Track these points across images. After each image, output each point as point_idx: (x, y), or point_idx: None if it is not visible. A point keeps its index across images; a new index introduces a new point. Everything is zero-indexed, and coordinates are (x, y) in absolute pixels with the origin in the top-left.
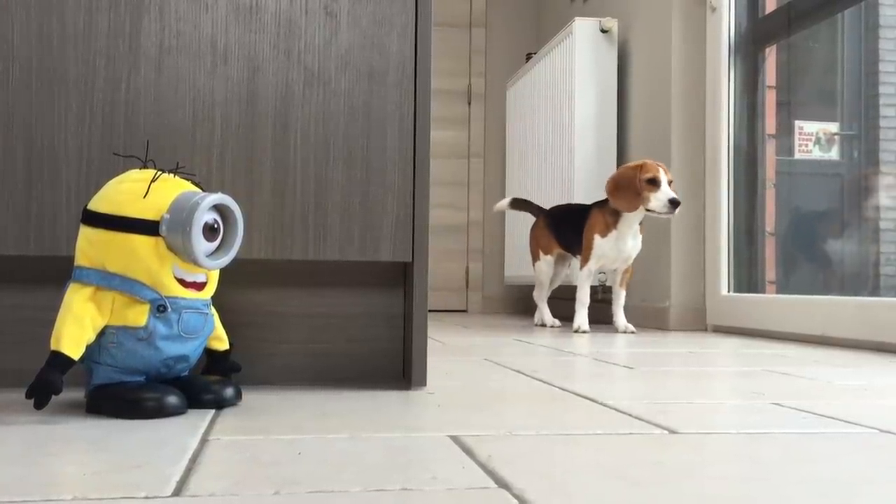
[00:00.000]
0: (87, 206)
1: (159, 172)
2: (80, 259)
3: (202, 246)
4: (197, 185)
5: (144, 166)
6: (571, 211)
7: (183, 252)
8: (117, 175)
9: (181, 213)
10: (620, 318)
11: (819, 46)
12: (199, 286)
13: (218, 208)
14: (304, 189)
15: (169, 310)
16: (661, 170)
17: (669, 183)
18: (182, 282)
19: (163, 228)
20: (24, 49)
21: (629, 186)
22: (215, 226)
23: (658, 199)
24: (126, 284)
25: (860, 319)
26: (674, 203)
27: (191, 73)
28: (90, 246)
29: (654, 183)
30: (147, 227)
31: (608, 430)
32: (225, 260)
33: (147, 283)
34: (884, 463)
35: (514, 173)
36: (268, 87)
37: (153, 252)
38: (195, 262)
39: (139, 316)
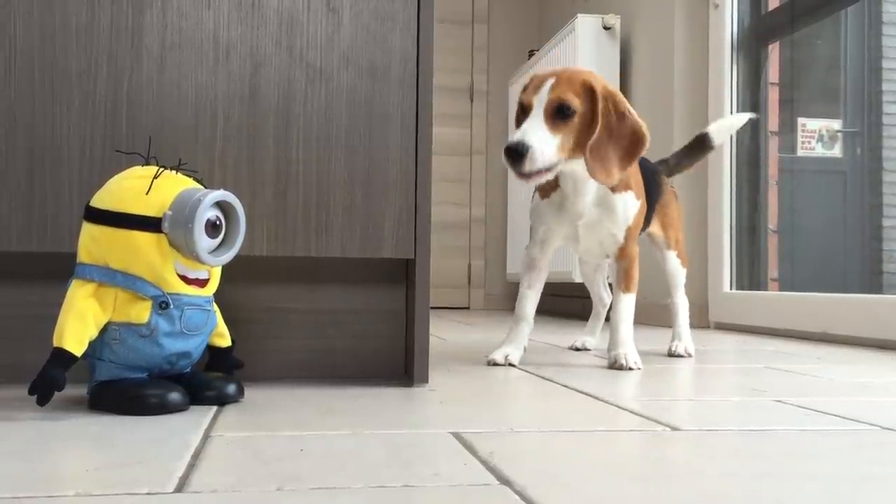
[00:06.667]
0: (89, 202)
1: (162, 169)
2: (83, 256)
3: (204, 242)
4: (199, 181)
5: (147, 163)
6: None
7: (185, 249)
8: (120, 171)
9: (183, 209)
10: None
11: (822, 43)
12: (202, 283)
13: (220, 205)
14: (306, 186)
15: (171, 306)
16: (544, 87)
17: (559, 109)
18: (184, 278)
19: (165, 225)
20: (27, 44)
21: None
22: (217, 222)
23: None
24: (128, 281)
25: (862, 317)
26: (507, 153)
27: (193, 70)
28: (93, 242)
29: (524, 113)
30: (150, 224)
31: (610, 426)
32: (227, 257)
33: (149, 280)
34: (885, 460)
35: None
36: (270, 84)
37: (156, 249)
38: (197, 259)
39: (141, 312)
